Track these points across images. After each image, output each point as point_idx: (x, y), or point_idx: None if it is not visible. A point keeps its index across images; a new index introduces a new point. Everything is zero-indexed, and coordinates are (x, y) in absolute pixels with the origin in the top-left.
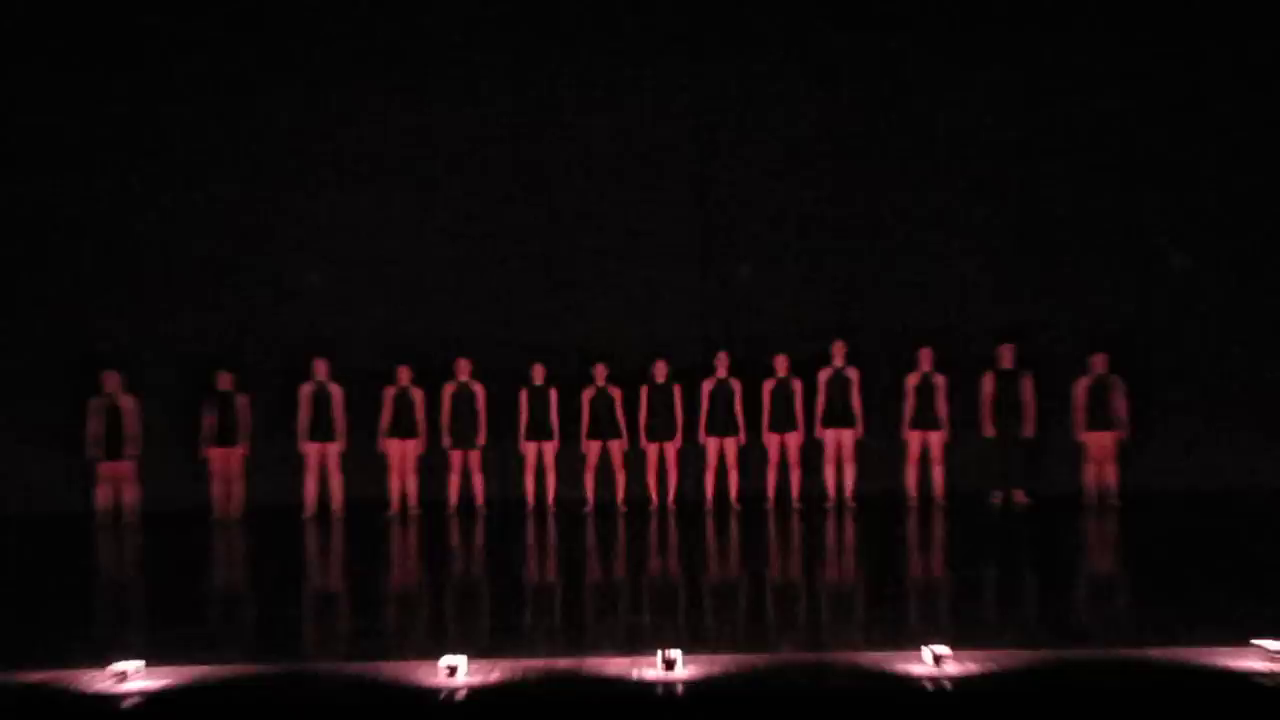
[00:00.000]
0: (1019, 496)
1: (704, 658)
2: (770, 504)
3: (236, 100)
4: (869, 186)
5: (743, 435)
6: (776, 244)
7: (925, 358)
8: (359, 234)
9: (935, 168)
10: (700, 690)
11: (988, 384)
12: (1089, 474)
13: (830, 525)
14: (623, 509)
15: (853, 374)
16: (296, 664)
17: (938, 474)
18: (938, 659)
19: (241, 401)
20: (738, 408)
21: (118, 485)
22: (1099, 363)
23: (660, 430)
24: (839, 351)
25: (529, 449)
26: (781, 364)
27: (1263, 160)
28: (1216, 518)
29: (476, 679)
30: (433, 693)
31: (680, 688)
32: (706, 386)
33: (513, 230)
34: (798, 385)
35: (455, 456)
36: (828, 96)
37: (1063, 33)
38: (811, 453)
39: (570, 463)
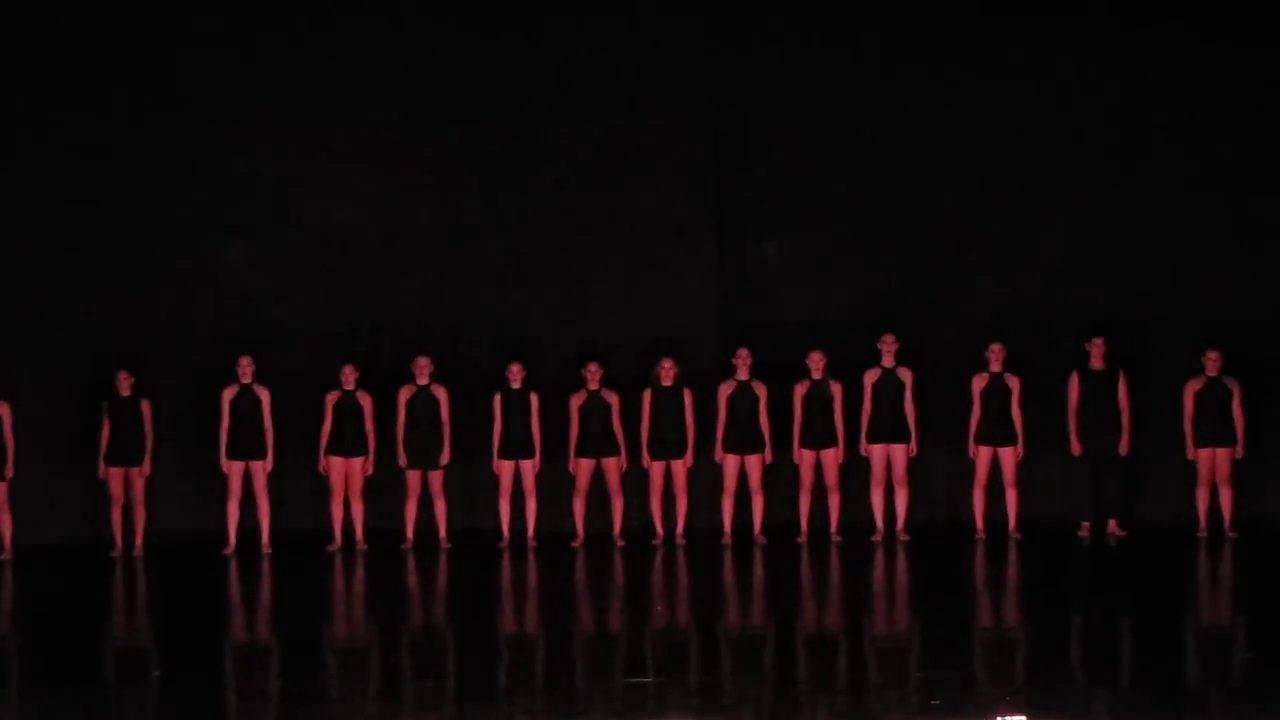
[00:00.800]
0: (1112, 527)
1: None
2: (803, 536)
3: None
4: (927, 150)
5: (769, 452)
6: (811, 216)
7: (996, 356)
8: (295, 201)
9: (1010, 129)
10: None
11: (1074, 388)
12: (1201, 499)
13: (878, 563)
14: (620, 543)
15: (906, 376)
16: None
17: (1011, 499)
18: None
19: (144, 408)
20: (762, 417)
21: None
22: (1212, 363)
23: (667, 445)
24: (889, 348)
25: (504, 468)
26: (817, 363)
27: None
28: None
29: None
30: None
31: None
32: (724, 391)
33: (485, 200)
34: (837, 390)
35: (413, 478)
36: (876, 45)
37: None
38: (855, 473)
39: (556, 485)
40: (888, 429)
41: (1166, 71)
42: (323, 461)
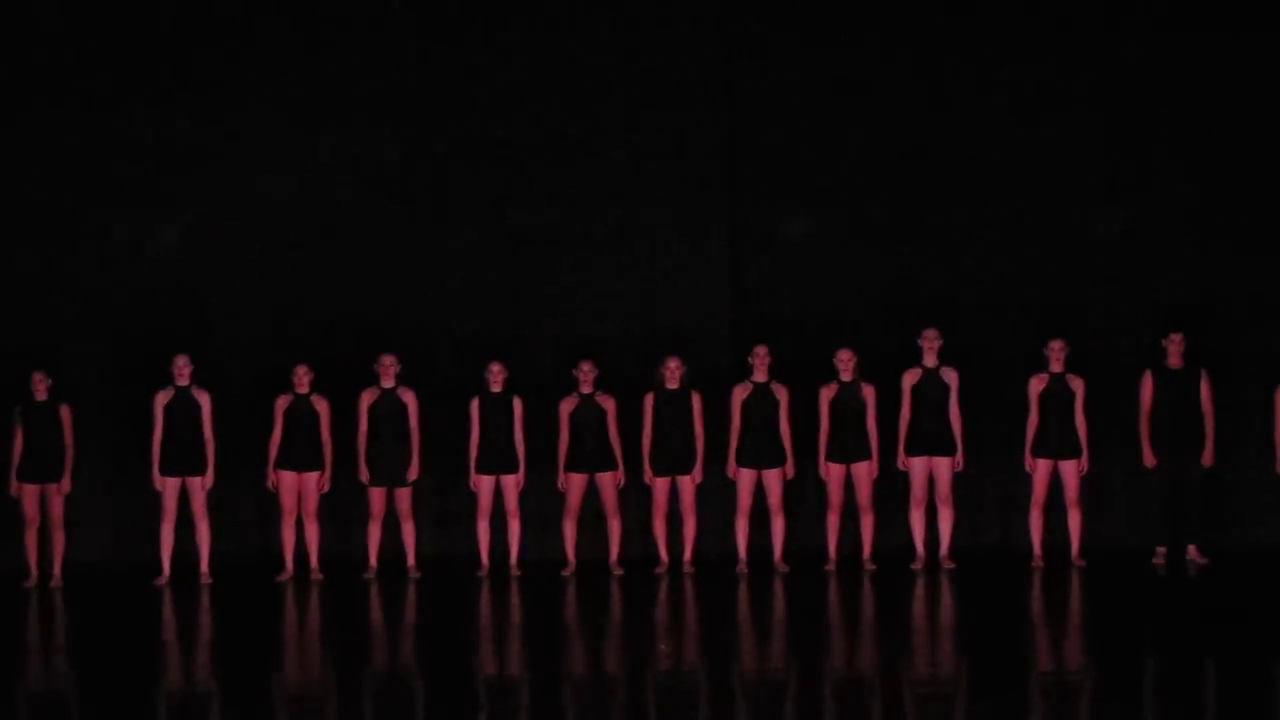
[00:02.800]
0: (1192, 553)
1: None
2: (831, 564)
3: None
4: (969, 124)
5: (790, 465)
6: (838, 192)
7: (1056, 354)
8: (240, 174)
9: (1069, 94)
10: None
11: (1147, 391)
12: None
13: (918, 594)
14: (618, 571)
15: (951, 377)
16: None
17: (1074, 520)
18: None
19: (64, 415)
20: (783, 425)
21: None
22: None
23: (672, 458)
24: (931, 345)
25: (483, 485)
26: (846, 363)
27: None
28: None
29: None
30: None
31: None
32: (739, 395)
33: (460, 174)
34: (870, 393)
35: (376, 496)
36: (911, 14)
37: None
38: (891, 491)
39: (543, 504)
40: (930, 439)
41: (1241, 44)
42: (271, 477)
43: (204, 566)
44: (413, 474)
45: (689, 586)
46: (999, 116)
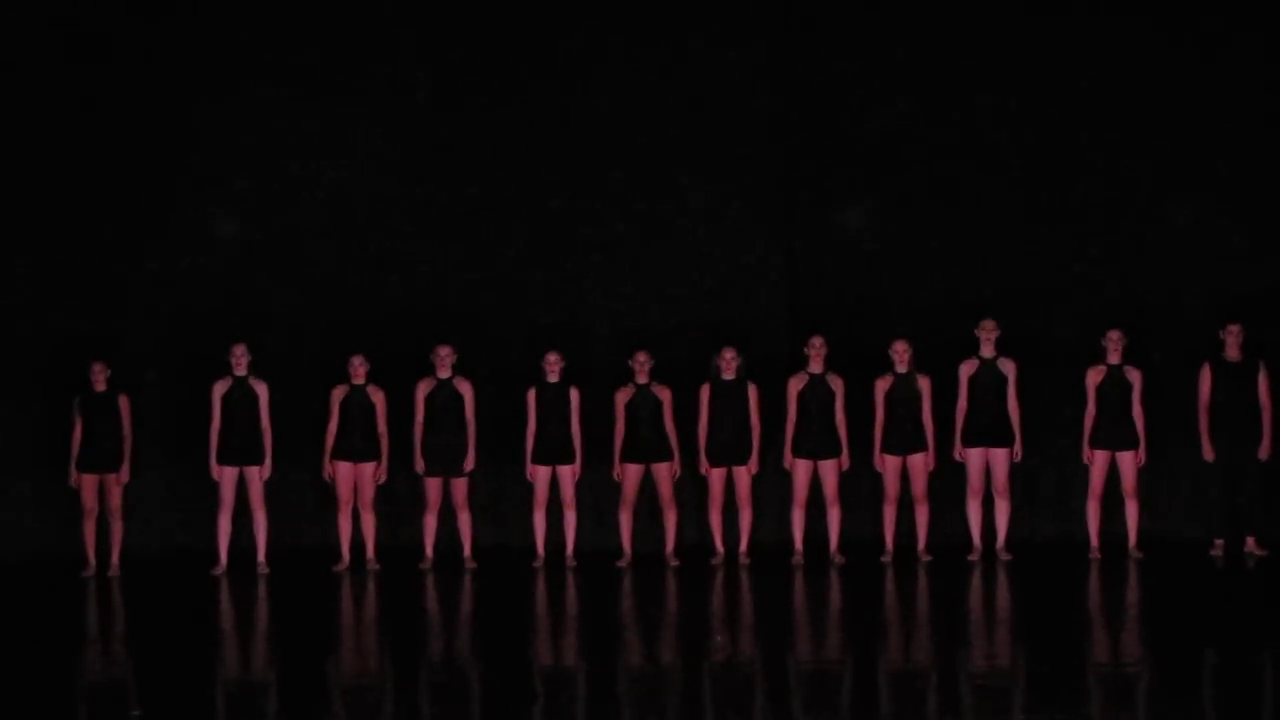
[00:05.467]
0: (1251, 545)
1: None
2: (888, 555)
3: None
4: (1027, 109)
5: (846, 457)
6: (896, 180)
7: (1114, 345)
8: (297, 166)
9: (1132, 83)
10: None
11: (1206, 382)
12: None
13: (975, 586)
14: (674, 562)
15: (1008, 368)
16: None
17: (1132, 511)
18: None
19: (122, 405)
20: (839, 416)
21: None
22: None
23: (728, 448)
24: (988, 335)
25: (539, 475)
26: (902, 353)
27: None
28: None
29: None
30: None
31: None
32: (794, 386)
33: (519, 164)
34: (926, 384)
35: (433, 486)
36: None
37: None
38: (948, 482)
39: (599, 495)
40: (987, 430)
41: None
42: (328, 467)
43: (261, 556)
44: (469, 464)
45: (745, 578)
46: (1058, 105)
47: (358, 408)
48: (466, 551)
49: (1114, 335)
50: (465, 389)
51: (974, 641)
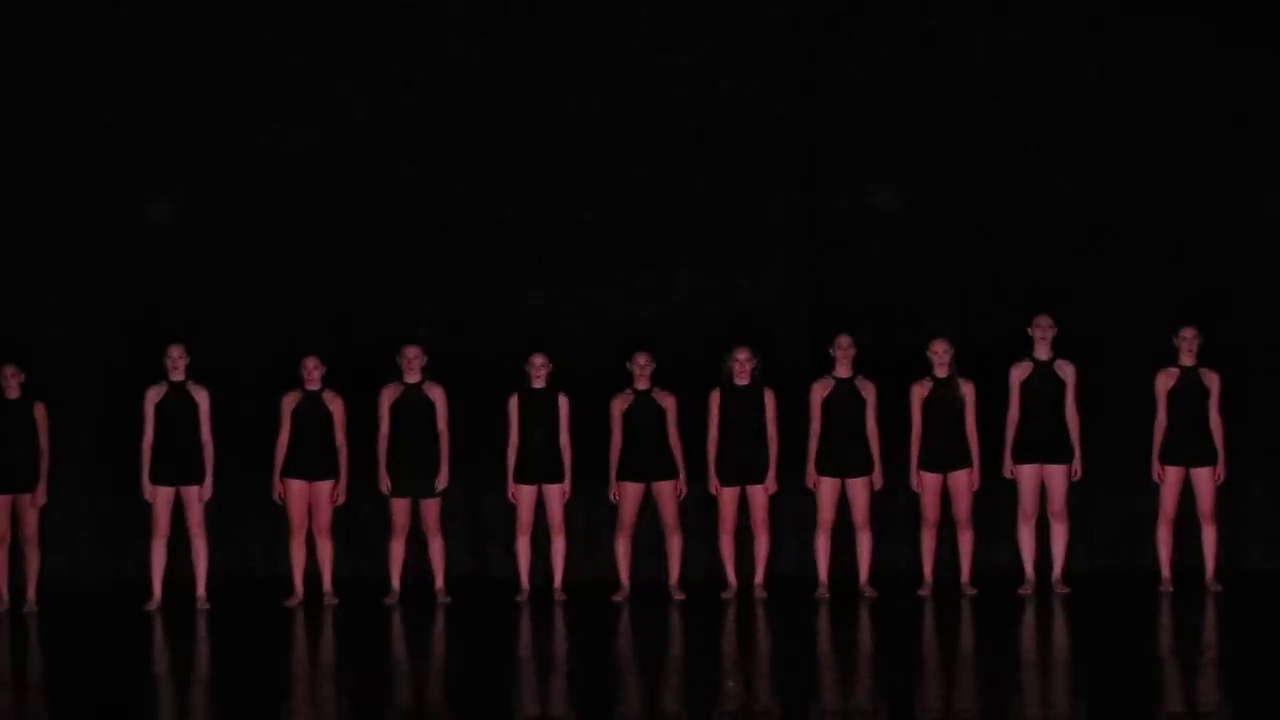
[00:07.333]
0: None
1: None
2: (926, 588)
3: None
4: (1078, 88)
5: (878, 475)
6: (932, 166)
7: (1188, 344)
8: (244, 137)
9: (1198, 60)
10: None
11: None
12: None
13: (1027, 622)
14: (678, 595)
15: (1067, 372)
16: None
17: (1208, 537)
18: None
19: (38, 415)
20: (870, 428)
21: None
22: None
23: (741, 465)
24: (1043, 335)
25: (523, 496)
26: (942, 355)
27: None
28: None
29: None
30: None
31: None
32: (819, 393)
33: (503, 142)
34: (970, 391)
35: (400, 508)
36: None
37: None
38: (995, 504)
39: (592, 518)
40: (1041, 444)
41: None
42: (278, 487)
43: (201, 589)
44: (441, 483)
45: (760, 613)
46: (1117, 82)
47: (312, 417)
48: (439, 583)
49: (1188, 334)
50: (437, 396)
51: (1026, 688)
